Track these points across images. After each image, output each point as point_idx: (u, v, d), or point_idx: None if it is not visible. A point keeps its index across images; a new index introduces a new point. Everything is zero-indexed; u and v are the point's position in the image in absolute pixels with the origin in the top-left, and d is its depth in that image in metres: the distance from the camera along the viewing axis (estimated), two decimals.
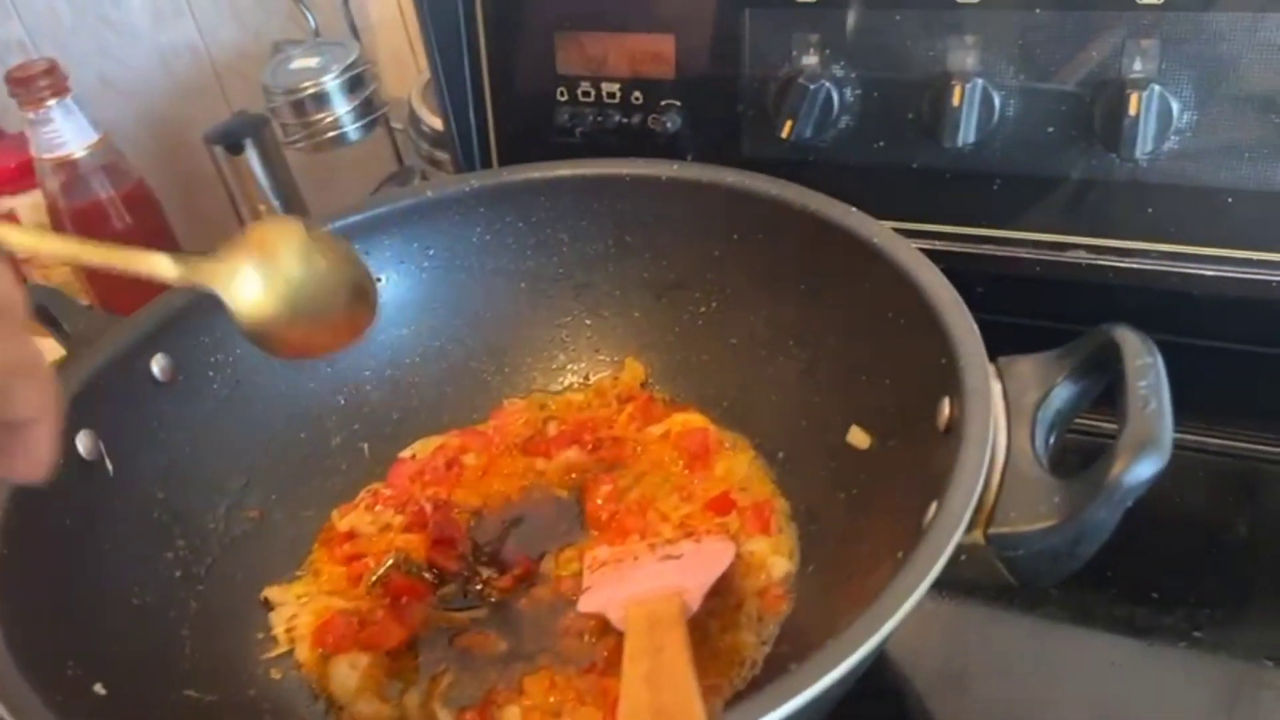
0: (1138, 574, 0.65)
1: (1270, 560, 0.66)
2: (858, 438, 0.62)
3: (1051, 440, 0.50)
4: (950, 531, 0.44)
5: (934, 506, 0.46)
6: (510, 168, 0.75)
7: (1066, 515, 0.45)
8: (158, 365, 0.65)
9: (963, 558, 0.47)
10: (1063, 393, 0.50)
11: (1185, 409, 0.67)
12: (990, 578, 0.48)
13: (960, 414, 0.50)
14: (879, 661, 0.63)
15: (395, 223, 0.73)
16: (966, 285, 0.57)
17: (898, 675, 0.63)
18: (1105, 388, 0.51)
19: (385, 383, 0.75)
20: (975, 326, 0.54)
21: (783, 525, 0.65)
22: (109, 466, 0.61)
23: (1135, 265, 0.75)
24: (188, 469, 0.66)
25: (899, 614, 0.42)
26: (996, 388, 0.51)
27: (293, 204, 1.12)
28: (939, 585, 0.43)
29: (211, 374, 0.68)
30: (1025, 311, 0.71)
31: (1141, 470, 0.43)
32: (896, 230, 0.62)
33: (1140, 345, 0.48)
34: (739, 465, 0.68)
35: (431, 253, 0.75)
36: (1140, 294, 0.75)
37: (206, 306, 0.68)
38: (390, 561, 0.65)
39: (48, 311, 0.69)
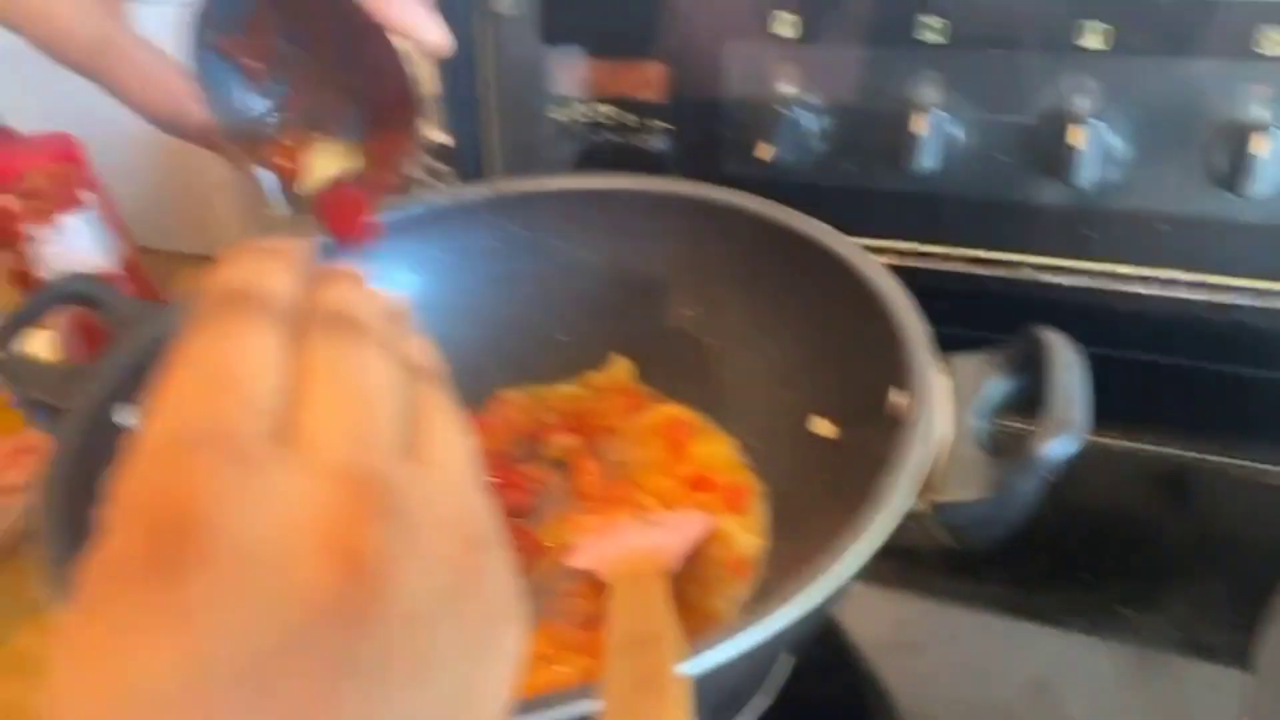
0: (1074, 558, 0.73)
1: (1193, 549, 0.74)
2: (823, 427, 0.70)
3: (984, 428, 0.58)
4: (900, 500, 0.52)
5: (887, 481, 0.54)
6: (517, 179, 0.82)
7: (998, 488, 0.52)
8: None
9: (910, 524, 0.54)
10: (996, 386, 0.58)
11: (1119, 415, 0.75)
12: (933, 541, 0.55)
13: (911, 404, 0.57)
14: (837, 632, 0.70)
15: (416, 226, 0.79)
16: (926, 298, 0.64)
17: (854, 645, 0.70)
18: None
19: None
20: (927, 328, 0.61)
21: (754, 505, 0.71)
22: None
23: (1078, 283, 0.83)
24: None
25: (851, 567, 0.49)
26: (943, 381, 0.59)
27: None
28: (893, 560, 0.50)
29: None
30: (977, 323, 0.79)
31: (1059, 448, 0.51)
32: (864, 247, 0.70)
33: (1063, 345, 0.56)
34: (717, 451, 0.75)
35: (443, 257, 0.81)
36: (1082, 310, 0.83)
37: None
38: None
39: (87, 296, 0.75)
